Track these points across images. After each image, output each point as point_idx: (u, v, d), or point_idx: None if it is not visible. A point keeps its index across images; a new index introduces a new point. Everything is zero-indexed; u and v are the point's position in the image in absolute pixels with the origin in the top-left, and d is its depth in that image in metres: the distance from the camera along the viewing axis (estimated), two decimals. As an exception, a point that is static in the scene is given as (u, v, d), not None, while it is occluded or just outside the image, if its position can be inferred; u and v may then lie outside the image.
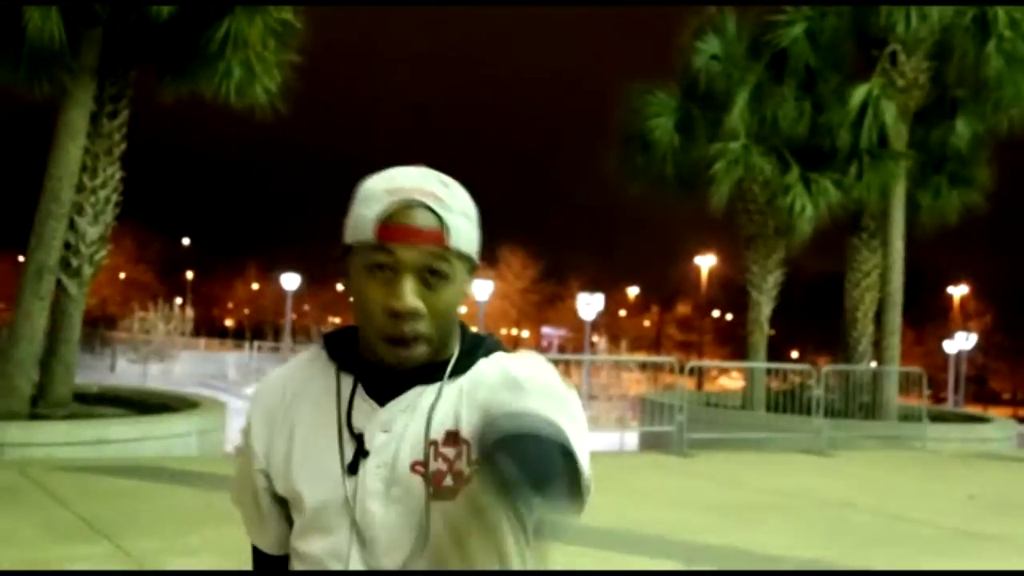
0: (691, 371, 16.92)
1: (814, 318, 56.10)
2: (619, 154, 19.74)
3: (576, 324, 58.22)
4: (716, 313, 77.77)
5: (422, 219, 1.45)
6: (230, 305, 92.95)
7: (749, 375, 19.24)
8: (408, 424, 1.50)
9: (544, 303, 73.91)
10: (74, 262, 12.45)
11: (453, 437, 1.49)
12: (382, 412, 1.51)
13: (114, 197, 12.85)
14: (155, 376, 36.99)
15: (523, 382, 1.45)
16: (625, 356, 45.92)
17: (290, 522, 1.60)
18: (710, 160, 17.70)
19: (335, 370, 1.56)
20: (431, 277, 1.45)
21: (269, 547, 1.66)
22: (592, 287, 49.46)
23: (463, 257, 1.49)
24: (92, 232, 12.64)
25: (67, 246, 12.27)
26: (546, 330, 64.72)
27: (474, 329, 1.63)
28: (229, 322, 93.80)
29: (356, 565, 1.49)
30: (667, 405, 14.69)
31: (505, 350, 1.59)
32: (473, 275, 1.55)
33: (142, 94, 13.28)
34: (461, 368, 1.54)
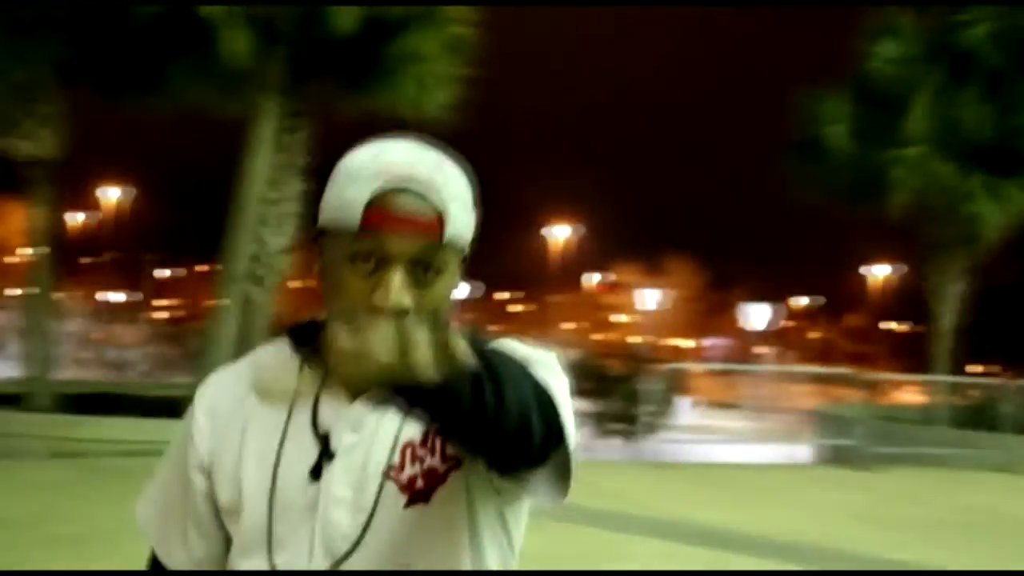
0: (868, 384, 16.41)
1: (1004, 330, 53.42)
2: (792, 161, 19.32)
3: (740, 335, 57.19)
4: (889, 325, 75.08)
5: (416, 206, 1.26)
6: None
7: (932, 389, 18.50)
8: (380, 422, 1.32)
9: (707, 313, 72.95)
10: (259, 271, 13.01)
11: (428, 433, 1.32)
12: (352, 408, 1.32)
13: (296, 209, 13.37)
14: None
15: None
16: (797, 367, 44.83)
17: (222, 537, 1.40)
18: (887, 166, 17.13)
19: (299, 362, 1.37)
20: (422, 271, 1.27)
21: (184, 564, 1.43)
22: (758, 297, 48.50)
23: (458, 248, 1.32)
24: (275, 243, 13.17)
25: (254, 257, 12.83)
26: (709, 341, 63.81)
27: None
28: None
29: None
30: (844, 418, 14.28)
31: (487, 341, 1.33)
32: (463, 267, 1.35)
33: (323, 110, 13.78)
34: None
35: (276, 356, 1.40)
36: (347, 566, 1.30)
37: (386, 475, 1.31)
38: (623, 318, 59.80)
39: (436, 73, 13.02)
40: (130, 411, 11.53)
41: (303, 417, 1.34)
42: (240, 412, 1.38)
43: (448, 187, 1.29)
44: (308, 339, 1.38)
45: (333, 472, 1.31)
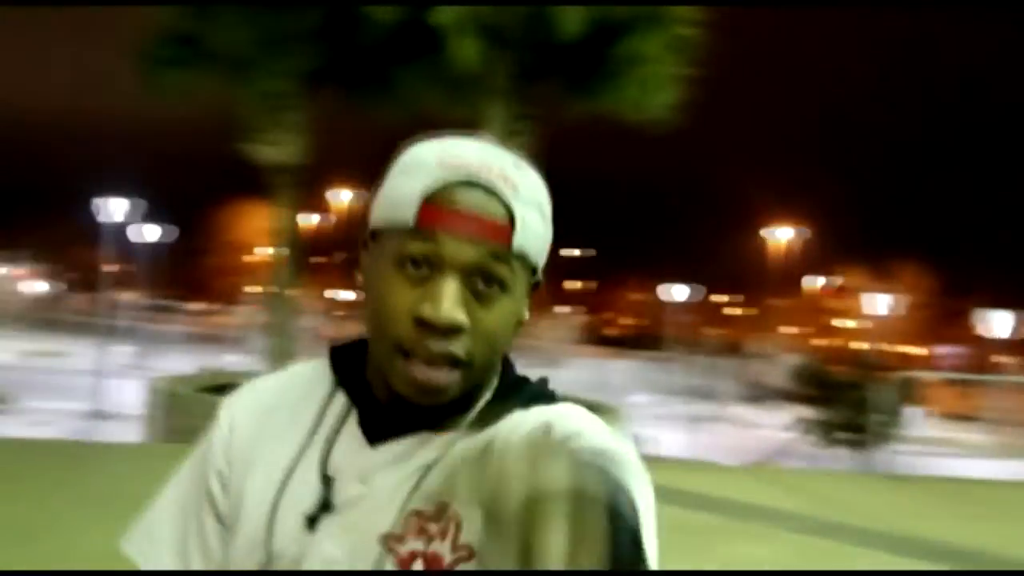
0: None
1: None
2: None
3: (978, 343, 54.03)
4: None
5: (484, 205, 1.08)
6: (616, 315, 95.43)
7: None
8: (391, 480, 1.11)
9: (940, 319, 69.37)
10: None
11: (444, 510, 1.08)
12: (367, 455, 1.13)
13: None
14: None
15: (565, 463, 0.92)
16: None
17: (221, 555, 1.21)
18: None
19: (330, 386, 1.20)
20: (483, 284, 1.08)
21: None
22: (997, 304, 45.72)
23: (528, 265, 1.12)
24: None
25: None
26: (942, 349, 60.65)
27: (520, 372, 1.20)
28: (614, 331, 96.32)
29: None
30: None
31: (553, 399, 1.16)
32: (534, 294, 1.15)
33: (548, 113, 13.97)
34: (487, 419, 1.12)
35: (311, 374, 1.23)
36: None
37: (383, 543, 1.08)
38: (848, 323, 57.75)
39: (659, 74, 12.95)
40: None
41: (315, 452, 1.16)
42: (261, 427, 1.20)
43: (524, 188, 1.11)
44: (350, 359, 1.20)
45: (330, 526, 1.11)
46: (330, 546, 1.11)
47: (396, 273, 1.08)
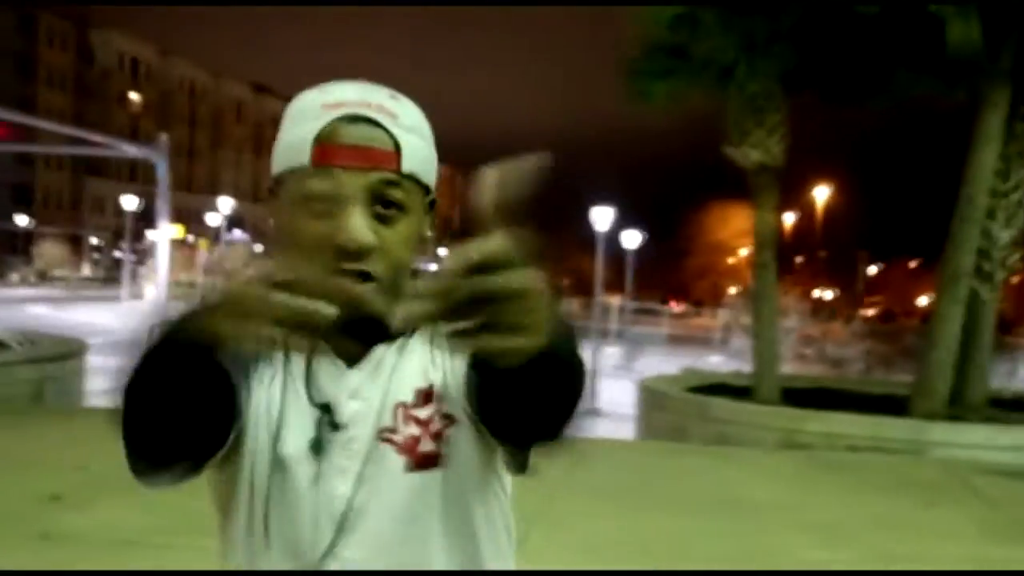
0: None
1: None
2: None
3: None
4: None
5: (369, 136, 1.18)
6: None
7: None
8: (376, 388, 1.25)
9: None
10: (986, 267, 12.40)
11: (425, 395, 1.26)
12: (351, 375, 1.25)
13: (1025, 200, 12.52)
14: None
15: None
16: None
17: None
18: None
19: None
20: (383, 208, 1.19)
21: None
22: None
23: (419, 185, 1.23)
24: (1004, 236, 12.46)
25: (979, 251, 12.25)
26: None
27: (426, 267, 1.27)
28: None
29: (329, 563, 1.23)
30: None
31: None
32: (432, 211, 1.27)
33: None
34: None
35: None
36: (354, 535, 1.24)
37: (380, 438, 1.24)
38: None
39: None
40: (850, 407, 11.70)
41: (298, 384, 1.26)
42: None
43: (403, 117, 1.22)
44: None
45: (335, 443, 1.24)
46: (340, 458, 1.24)
47: (303, 210, 1.18)
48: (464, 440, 1.26)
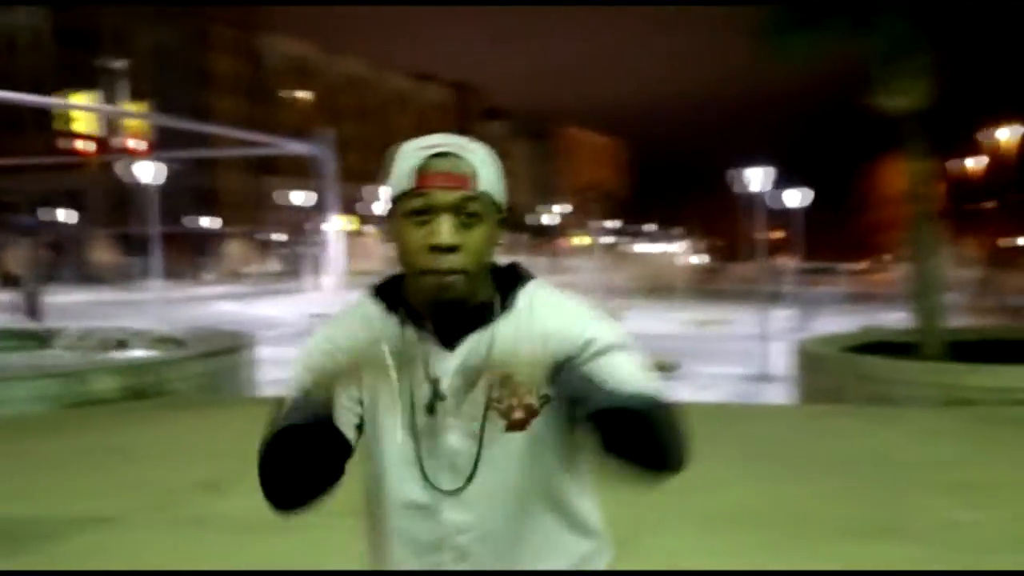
0: None
1: None
2: None
3: None
4: None
5: (453, 165, 1.66)
6: None
7: None
8: (476, 366, 1.68)
9: None
10: None
11: (513, 375, 1.60)
12: (453, 357, 1.70)
13: None
14: None
15: (577, 312, 1.74)
16: None
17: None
18: None
19: (399, 318, 1.74)
20: (465, 217, 1.65)
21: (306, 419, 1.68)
22: None
23: (492, 202, 1.69)
24: None
25: None
26: None
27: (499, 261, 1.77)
28: None
29: (449, 508, 1.71)
30: None
31: (531, 275, 1.79)
32: (501, 224, 1.73)
33: None
34: (508, 305, 1.73)
35: (377, 311, 1.77)
36: (472, 484, 1.70)
37: (487, 405, 1.69)
38: None
39: None
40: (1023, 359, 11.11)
41: (415, 364, 1.71)
42: (365, 351, 1.69)
43: (476, 153, 1.69)
44: (392, 294, 1.77)
45: (446, 407, 1.70)
46: (450, 418, 1.70)
47: (409, 222, 1.67)
48: (550, 417, 1.70)
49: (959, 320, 20.49)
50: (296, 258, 64.67)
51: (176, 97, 74.31)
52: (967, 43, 13.87)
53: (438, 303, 1.67)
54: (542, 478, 1.72)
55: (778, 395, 15.68)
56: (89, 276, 62.08)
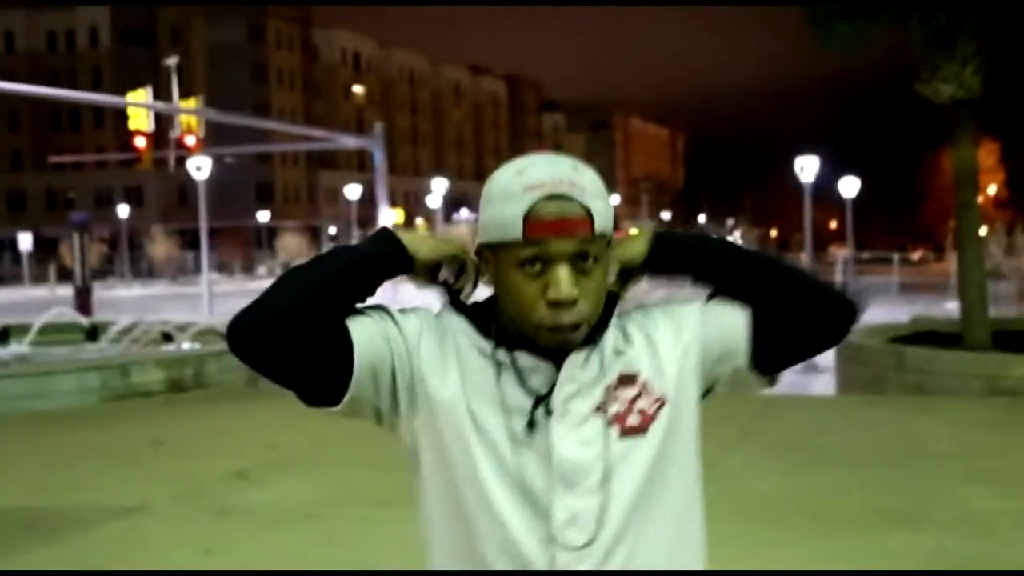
0: None
1: None
2: None
3: None
4: None
5: (568, 210, 1.48)
6: None
7: None
8: (584, 377, 1.55)
9: None
10: None
11: (628, 379, 1.57)
12: (561, 373, 1.54)
13: None
14: None
15: (667, 307, 1.66)
16: None
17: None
18: None
19: (492, 330, 1.56)
20: (582, 263, 1.48)
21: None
22: None
23: (606, 237, 1.53)
24: None
25: None
26: None
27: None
28: None
29: (557, 504, 1.52)
30: None
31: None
32: (611, 248, 1.57)
33: None
34: (607, 321, 1.58)
35: (463, 326, 1.59)
36: (614, 500, 1.53)
37: (597, 412, 1.55)
38: None
39: None
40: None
41: (510, 376, 1.55)
42: (443, 351, 1.57)
43: (587, 186, 1.50)
44: (482, 314, 1.59)
45: (552, 419, 1.53)
46: (559, 428, 1.53)
47: (518, 273, 1.50)
48: (669, 420, 1.58)
49: (1009, 310, 20.08)
50: (349, 250, 65.13)
51: (234, 92, 75.29)
52: (1018, 30, 13.57)
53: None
54: (674, 487, 1.59)
55: (826, 386, 15.50)
56: (146, 270, 63.25)
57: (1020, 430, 8.45)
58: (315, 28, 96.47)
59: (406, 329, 1.57)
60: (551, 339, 1.50)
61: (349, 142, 35.96)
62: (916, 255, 57.69)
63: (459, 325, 1.59)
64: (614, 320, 1.60)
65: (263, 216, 77.74)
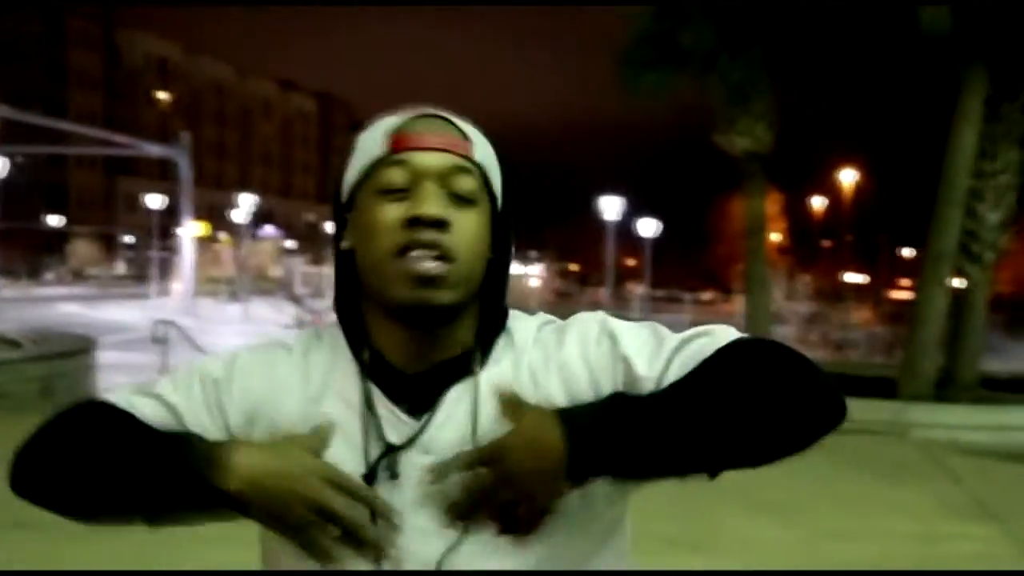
0: None
1: None
2: None
3: None
4: None
5: (443, 128, 1.22)
6: None
7: None
8: (448, 437, 1.17)
9: None
10: (975, 248, 12.47)
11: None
12: (421, 432, 1.18)
13: (1014, 181, 12.56)
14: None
15: (610, 329, 1.22)
16: None
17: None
18: None
19: (358, 367, 1.23)
20: (455, 190, 1.18)
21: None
22: None
23: (486, 186, 1.22)
24: (992, 218, 12.52)
25: (967, 232, 12.31)
26: None
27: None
28: None
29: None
30: None
31: (506, 305, 1.28)
32: (494, 227, 1.24)
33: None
34: (486, 347, 1.23)
35: (332, 339, 1.28)
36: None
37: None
38: None
39: None
40: (843, 391, 11.79)
41: (353, 412, 1.21)
42: (272, 383, 1.25)
43: (472, 129, 1.25)
44: (352, 317, 1.26)
45: (400, 491, 1.16)
46: (412, 516, 1.16)
47: (380, 200, 1.19)
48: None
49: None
50: (145, 261, 62.98)
51: (26, 89, 71.59)
52: (813, 88, 14.69)
53: (414, 310, 1.17)
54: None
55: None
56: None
57: (792, 466, 9.13)
58: (119, 29, 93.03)
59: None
60: (411, 273, 1.14)
61: (153, 150, 34.86)
62: (707, 295, 60.44)
63: (327, 340, 1.30)
64: (492, 357, 1.24)
65: (54, 220, 74.01)
